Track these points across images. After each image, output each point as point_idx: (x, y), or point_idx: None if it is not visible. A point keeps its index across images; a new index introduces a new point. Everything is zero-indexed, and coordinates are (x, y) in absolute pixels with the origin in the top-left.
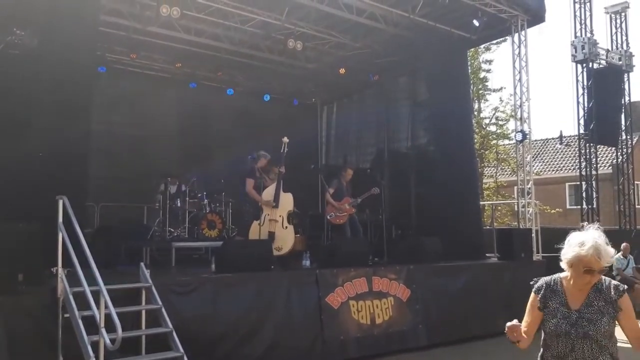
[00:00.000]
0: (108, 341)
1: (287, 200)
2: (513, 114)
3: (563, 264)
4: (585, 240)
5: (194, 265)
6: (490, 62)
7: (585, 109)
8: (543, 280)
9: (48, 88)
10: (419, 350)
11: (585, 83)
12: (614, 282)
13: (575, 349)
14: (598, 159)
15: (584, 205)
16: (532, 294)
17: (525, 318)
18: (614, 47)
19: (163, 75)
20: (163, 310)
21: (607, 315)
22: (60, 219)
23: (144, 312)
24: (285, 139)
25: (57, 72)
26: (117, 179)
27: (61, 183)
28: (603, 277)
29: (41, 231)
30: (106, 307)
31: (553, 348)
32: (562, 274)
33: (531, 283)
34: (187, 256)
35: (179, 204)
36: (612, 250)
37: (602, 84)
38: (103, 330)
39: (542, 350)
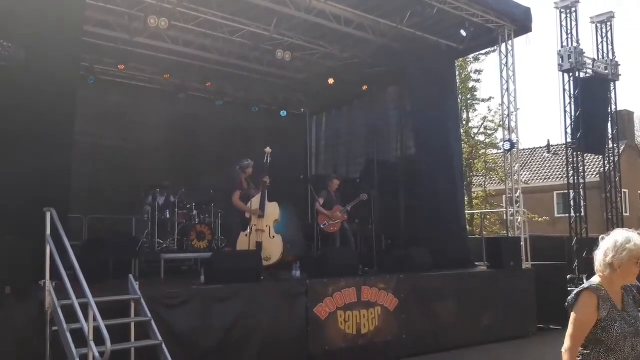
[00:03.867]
0: (97, 354)
1: (272, 210)
2: (501, 123)
3: (606, 269)
4: (629, 237)
5: (184, 277)
6: (479, 72)
7: (572, 117)
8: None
9: (34, 99)
10: (402, 359)
11: (572, 92)
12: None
13: (636, 348)
14: (586, 167)
15: (572, 214)
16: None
17: (579, 336)
18: (600, 57)
19: (151, 86)
20: (152, 322)
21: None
22: (48, 232)
23: (133, 325)
24: (268, 149)
25: (41, 83)
26: (105, 190)
27: (45, 195)
28: None
29: (29, 244)
30: (95, 319)
31: (618, 352)
32: (595, 281)
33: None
34: (176, 268)
35: (167, 216)
36: None
37: (588, 93)
38: (92, 344)
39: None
